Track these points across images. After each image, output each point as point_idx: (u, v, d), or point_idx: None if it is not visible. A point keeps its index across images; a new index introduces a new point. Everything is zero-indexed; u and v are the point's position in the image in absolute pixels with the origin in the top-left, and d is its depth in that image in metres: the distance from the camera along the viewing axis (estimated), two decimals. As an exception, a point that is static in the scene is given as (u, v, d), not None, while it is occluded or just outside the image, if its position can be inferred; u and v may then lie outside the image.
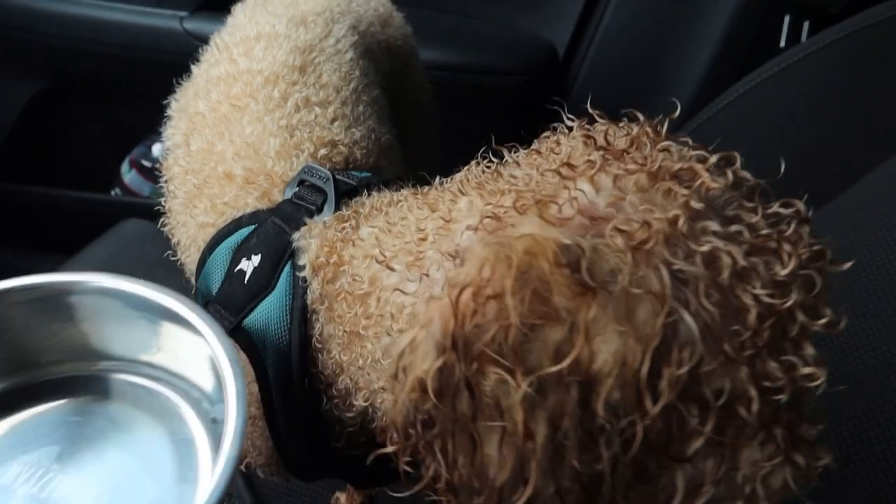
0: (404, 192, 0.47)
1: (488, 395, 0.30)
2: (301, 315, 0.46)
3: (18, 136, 1.18)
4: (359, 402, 0.44)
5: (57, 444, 0.40)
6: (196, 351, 0.40)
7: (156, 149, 1.19)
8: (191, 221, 0.56)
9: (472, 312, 0.30)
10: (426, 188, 0.44)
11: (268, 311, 0.47)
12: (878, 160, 0.71)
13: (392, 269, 0.40)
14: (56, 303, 0.42)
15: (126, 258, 0.90)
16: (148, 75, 1.14)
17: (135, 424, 0.41)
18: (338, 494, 0.71)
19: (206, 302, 0.52)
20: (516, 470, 0.30)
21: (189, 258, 0.57)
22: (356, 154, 0.56)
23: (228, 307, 0.49)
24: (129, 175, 1.19)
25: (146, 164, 1.18)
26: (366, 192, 0.50)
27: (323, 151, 0.54)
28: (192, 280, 0.57)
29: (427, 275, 0.38)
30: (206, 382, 0.40)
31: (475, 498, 0.32)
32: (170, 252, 0.62)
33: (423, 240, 0.40)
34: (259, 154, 0.53)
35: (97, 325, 0.43)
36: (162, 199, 0.62)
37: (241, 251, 0.50)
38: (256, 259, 0.49)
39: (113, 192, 1.22)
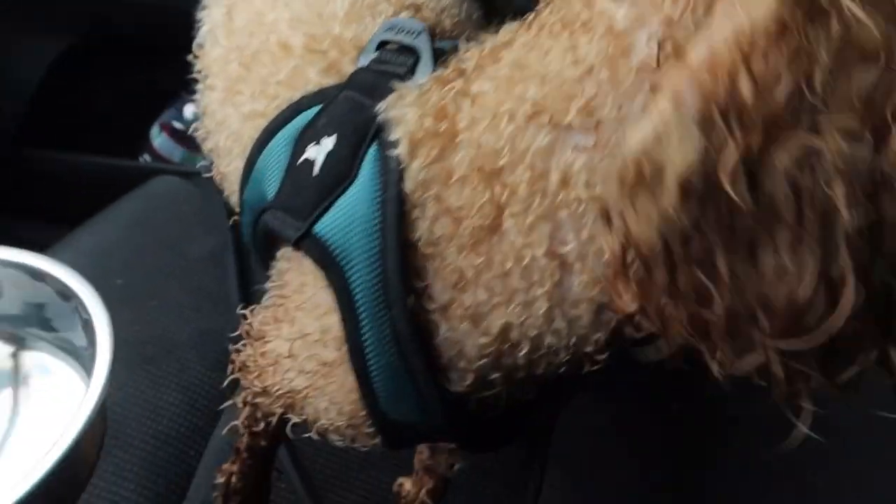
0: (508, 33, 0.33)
1: (780, 180, 0.22)
2: (396, 209, 0.33)
3: (43, 98, 1.08)
4: (497, 321, 0.31)
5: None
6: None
7: (188, 110, 1.07)
8: (233, 115, 0.44)
9: (743, 69, 0.22)
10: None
11: (349, 210, 0.35)
12: None
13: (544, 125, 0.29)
14: None
15: (158, 215, 0.78)
16: (181, 31, 1.04)
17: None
18: (402, 480, 0.58)
19: (259, 213, 0.39)
20: (820, 278, 0.23)
21: (230, 166, 0.45)
22: (444, 23, 0.43)
23: (292, 210, 0.37)
24: (158, 139, 1.08)
25: (178, 126, 1.07)
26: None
27: (405, 15, 0.41)
28: (237, 196, 0.44)
29: (600, 122, 0.28)
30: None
31: (753, 332, 0.24)
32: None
33: (587, 73, 0.27)
34: (323, 18, 0.41)
35: None
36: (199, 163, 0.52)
37: (306, 138, 0.38)
38: (329, 142, 0.36)
39: (141, 159, 1.11)
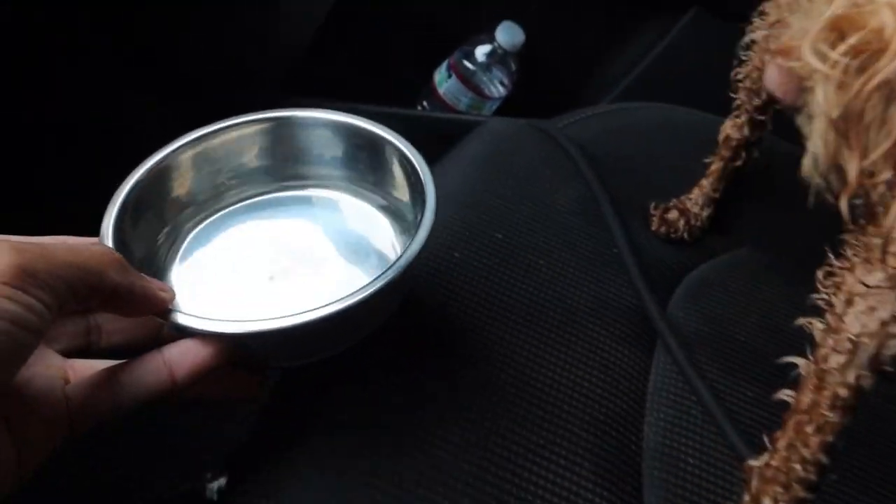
0: None
1: None
2: None
3: (315, 43, 1.01)
4: None
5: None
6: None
7: (480, 51, 0.97)
8: None
9: None
10: None
11: None
12: None
13: None
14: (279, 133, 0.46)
15: (512, 161, 0.67)
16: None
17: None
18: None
19: None
20: None
21: None
22: None
23: None
24: (446, 84, 0.98)
25: (470, 66, 0.97)
26: None
27: None
28: None
29: None
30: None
31: None
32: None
33: None
34: None
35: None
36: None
37: None
38: None
39: (419, 107, 1.02)
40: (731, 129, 0.62)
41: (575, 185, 0.67)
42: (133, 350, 0.33)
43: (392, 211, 0.47)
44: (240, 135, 0.45)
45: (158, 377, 0.31)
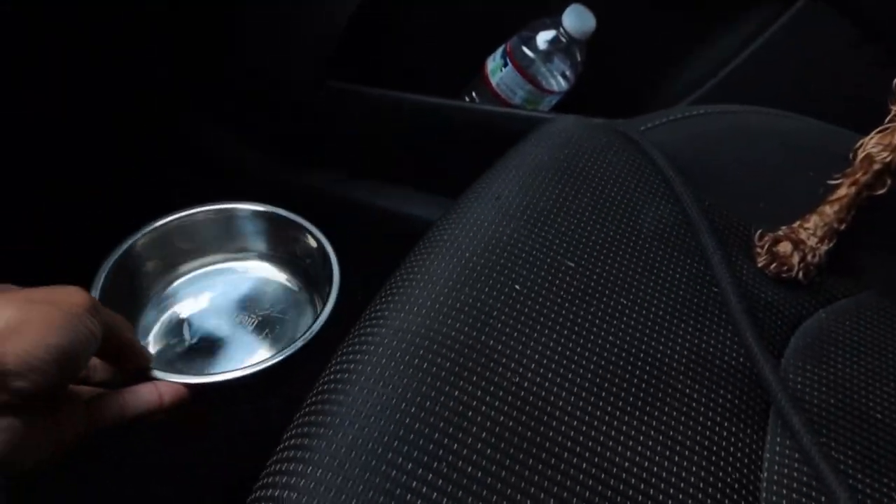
0: None
1: None
2: None
3: (355, 24, 0.89)
4: None
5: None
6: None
7: (542, 37, 0.84)
8: None
9: None
10: None
11: None
12: None
13: None
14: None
15: (587, 168, 0.55)
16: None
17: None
18: None
19: None
20: None
21: None
22: None
23: None
24: (500, 73, 0.85)
25: (529, 54, 0.84)
26: None
27: None
28: None
29: None
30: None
31: None
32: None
33: None
34: None
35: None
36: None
37: None
38: None
39: (466, 98, 0.90)
40: (876, 146, 0.49)
41: (663, 204, 0.54)
42: (110, 387, 0.44)
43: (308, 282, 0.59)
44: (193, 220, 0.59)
45: (151, 398, 0.44)
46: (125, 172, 0.91)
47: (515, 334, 0.42)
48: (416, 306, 0.43)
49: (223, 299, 0.57)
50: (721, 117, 0.66)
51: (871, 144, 0.49)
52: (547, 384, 0.41)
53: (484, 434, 0.37)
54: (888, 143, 0.48)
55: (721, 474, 0.39)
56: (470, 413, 0.38)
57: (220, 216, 0.59)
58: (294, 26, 0.88)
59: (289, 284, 0.59)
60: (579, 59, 0.87)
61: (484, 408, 0.38)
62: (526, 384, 0.40)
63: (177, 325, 0.56)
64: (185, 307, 0.57)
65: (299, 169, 0.98)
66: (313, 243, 0.56)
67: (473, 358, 0.40)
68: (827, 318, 0.51)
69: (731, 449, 0.40)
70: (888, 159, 0.48)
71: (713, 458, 0.40)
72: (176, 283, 0.58)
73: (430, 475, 0.35)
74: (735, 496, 0.39)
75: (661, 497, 0.37)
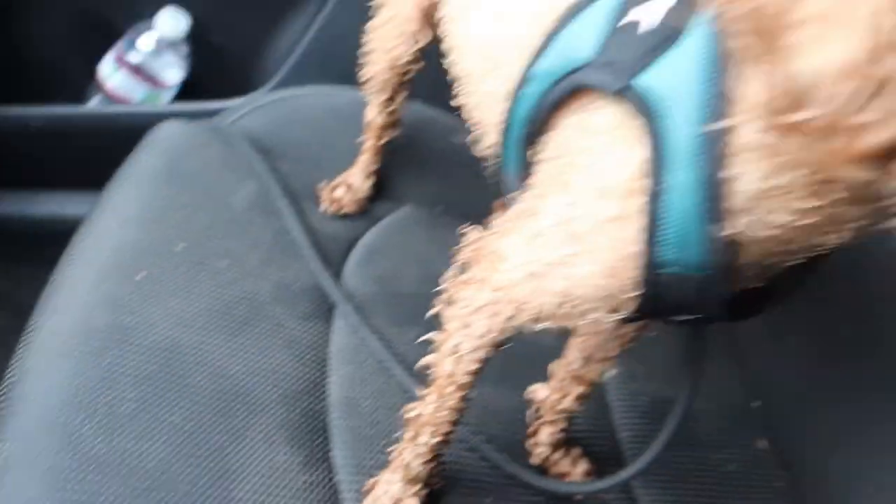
0: None
1: None
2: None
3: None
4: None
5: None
6: None
7: (142, 41, 0.96)
8: None
9: None
10: None
11: (677, 63, 0.37)
12: None
13: None
14: None
15: (186, 167, 0.72)
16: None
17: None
18: (535, 387, 0.60)
19: (563, 76, 0.42)
20: None
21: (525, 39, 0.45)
22: None
23: (614, 65, 0.39)
24: (115, 77, 0.97)
25: (135, 59, 0.96)
26: None
27: None
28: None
29: None
30: None
31: None
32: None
33: None
34: None
35: None
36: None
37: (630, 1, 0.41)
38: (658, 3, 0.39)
39: (91, 103, 1.00)
40: (372, 114, 0.73)
41: (251, 182, 0.74)
42: None
43: None
44: None
45: None
46: None
47: (147, 306, 0.60)
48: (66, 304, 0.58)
49: None
50: (295, 99, 0.87)
51: (369, 114, 0.73)
52: (179, 334, 0.59)
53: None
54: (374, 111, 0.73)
55: (300, 357, 0.62)
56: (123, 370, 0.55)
57: None
58: None
59: None
60: (187, 51, 1.00)
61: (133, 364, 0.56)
62: (159, 338, 0.58)
63: None
64: None
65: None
66: None
67: (117, 337, 0.57)
68: (375, 233, 0.76)
69: (307, 339, 0.63)
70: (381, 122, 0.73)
71: (295, 349, 0.62)
72: None
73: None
74: (310, 366, 0.62)
75: (264, 382, 0.59)
